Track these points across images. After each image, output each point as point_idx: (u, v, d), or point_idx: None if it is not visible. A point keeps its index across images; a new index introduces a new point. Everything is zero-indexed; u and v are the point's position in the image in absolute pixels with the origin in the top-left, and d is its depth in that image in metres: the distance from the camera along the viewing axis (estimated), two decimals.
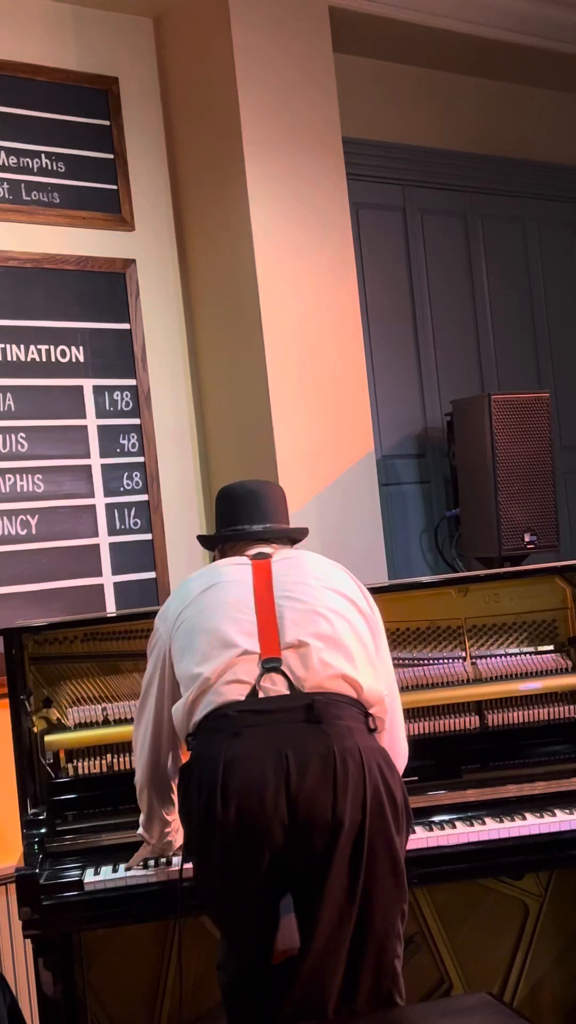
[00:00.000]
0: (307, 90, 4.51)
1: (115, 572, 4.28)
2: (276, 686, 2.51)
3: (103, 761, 3.19)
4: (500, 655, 3.41)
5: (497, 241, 5.54)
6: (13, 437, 4.15)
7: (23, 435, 4.17)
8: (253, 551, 2.83)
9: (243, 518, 2.93)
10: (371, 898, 2.44)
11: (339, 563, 2.85)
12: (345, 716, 2.49)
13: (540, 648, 3.43)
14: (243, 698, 2.51)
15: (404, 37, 4.95)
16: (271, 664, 2.54)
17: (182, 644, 2.66)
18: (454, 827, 3.04)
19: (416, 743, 3.29)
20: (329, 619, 2.61)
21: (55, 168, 4.34)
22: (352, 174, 4.71)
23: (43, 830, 3.06)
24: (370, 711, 2.58)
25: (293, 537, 2.99)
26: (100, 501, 4.30)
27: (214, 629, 2.61)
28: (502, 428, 4.56)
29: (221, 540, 2.96)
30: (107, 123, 4.47)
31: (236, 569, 2.76)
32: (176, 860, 2.88)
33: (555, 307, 5.71)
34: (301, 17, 4.51)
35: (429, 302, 5.28)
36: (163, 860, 2.90)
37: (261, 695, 2.51)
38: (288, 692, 2.50)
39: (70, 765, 3.20)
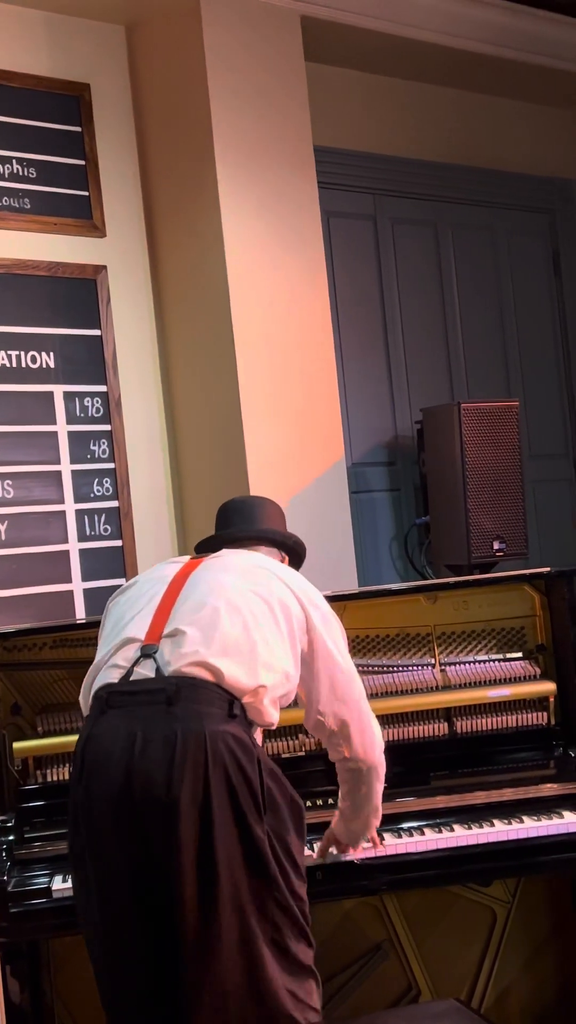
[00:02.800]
0: (279, 99, 4.52)
1: (85, 578, 4.27)
2: (145, 670, 2.57)
3: (68, 769, 3.18)
4: (469, 662, 3.42)
5: (468, 251, 5.56)
6: None
7: None
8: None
9: (230, 528, 3.03)
10: (219, 884, 2.41)
11: (298, 573, 2.86)
12: (199, 700, 2.50)
13: (509, 655, 3.45)
14: (116, 681, 2.59)
15: (376, 47, 4.97)
16: (147, 650, 2.60)
17: (102, 631, 2.80)
18: (423, 834, 3.04)
19: (385, 750, 3.30)
20: (218, 610, 2.62)
21: (26, 174, 4.33)
22: (324, 183, 4.73)
23: (11, 837, 3.05)
24: (242, 700, 2.55)
25: (273, 539, 3.02)
26: (70, 507, 4.29)
27: (119, 618, 2.73)
28: (472, 436, 4.58)
29: (201, 547, 2.99)
30: (79, 129, 4.47)
31: (170, 566, 2.84)
32: None
33: (525, 317, 5.74)
34: (273, 26, 4.52)
35: (400, 311, 5.30)
36: None
37: (132, 679, 2.58)
38: (153, 676, 2.56)
39: (39, 772, 3.19)
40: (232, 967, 2.41)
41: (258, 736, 2.65)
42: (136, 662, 2.58)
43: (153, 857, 2.42)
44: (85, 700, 2.70)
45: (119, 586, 2.95)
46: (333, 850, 2.94)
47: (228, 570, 2.76)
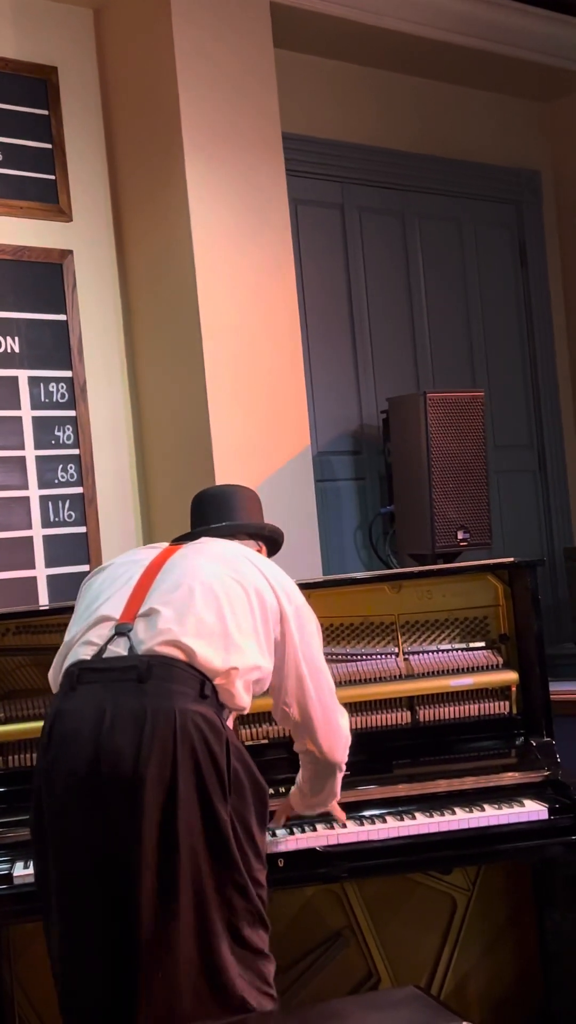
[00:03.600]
0: (247, 85, 4.51)
1: (48, 565, 4.25)
2: (118, 648, 2.58)
3: (31, 755, 3.17)
4: (432, 651, 3.44)
5: (434, 240, 5.57)
6: None
7: None
8: None
9: (207, 518, 3.04)
10: (179, 862, 2.41)
11: (274, 565, 2.87)
12: (171, 679, 2.51)
13: (472, 645, 3.47)
14: (89, 658, 2.59)
15: (345, 35, 4.96)
16: (122, 629, 2.60)
17: (76, 611, 2.80)
18: (384, 821, 3.06)
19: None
20: (193, 591, 2.63)
21: None
22: (291, 170, 4.72)
23: None
24: (214, 681, 2.56)
25: (249, 532, 3.03)
26: (34, 493, 4.27)
27: (94, 598, 2.73)
28: (437, 426, 4.59)
29: (179, 541, 3.00)
30: (46, 112, 4.44)
31: (147, 551, 2.86)
32: None
33: (490, 307, 5.75)
34: (242, 12, 4.50)
35: (366, 299, 5.31)
36: None
37: (105, 656, 2.58)
38: (126, 654, 2.56)
39: (1, 758, 3.18)
40: (187, 947, 2.41)
41: (230, 721, 2.65)
42: (110, 640, 2.59)
43: (116, 832, 2.42)
44: (55, 677, 2.70)
45: (83, 573, 2.96)
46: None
47: (206, 555, 2.77)
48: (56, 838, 2.50)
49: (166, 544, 2.90)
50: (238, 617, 2.65)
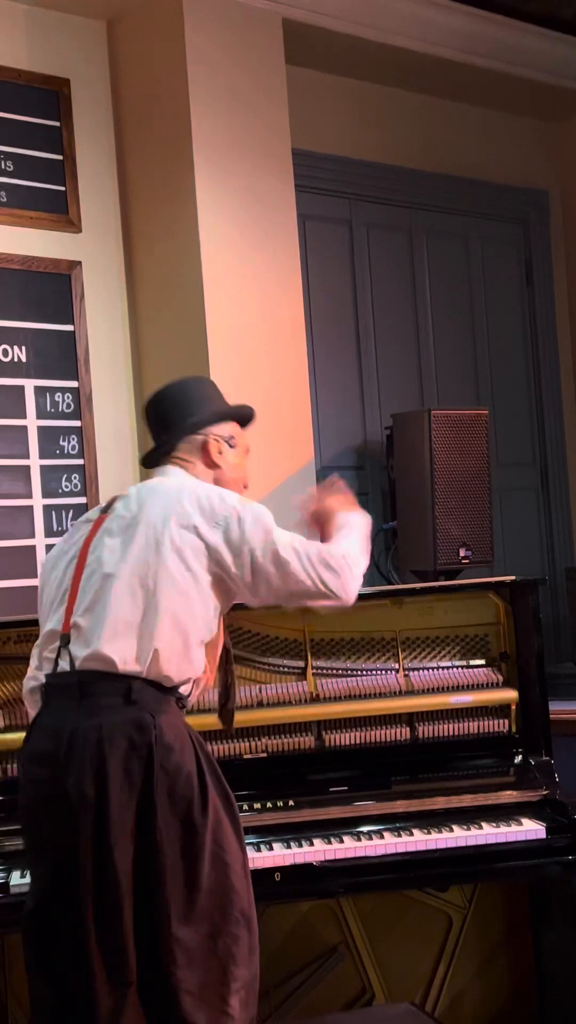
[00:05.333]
0: (258, 100, 4.53)
1: None
2: (64, 663, 2.64)
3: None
4: (432, 668, 3.44)
5: (441, 258, 5.58)
6: None
7: None
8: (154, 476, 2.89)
9: (153, 437, 2.98)
10: (117, 879, 2.45)
11: (202, 493, 2.75)
12: (99, 692, 2.56)
13: (472, 662, 3.47)
14: (48, 673, 2.66)
15: (356, 52, 4.99)
16: (64, 640, 2.66)
17: (39, 605, 2.83)
18: (382, 837, 3.06)
19: (346, 753, 3.32)
20: (105, 587, 2.62)
21: (3, 167, 4.31)
22: (300, 186, 4.73)
23: None
24: (143, 677, 2.57)
25: (193, 443, 2.91)
26: (38, 502, 4.28)
27: (48, 602, 2.77)
28: (441, 443, 4.60)
29: (144, 460, 3.01)
30: (57, 124, 4.45)
31: (81, 530, 2.81)
32: None
33: (496, 326, 5.77)
34: (255, 28, 4.52)
35: (372, 316, 5.32)
36: None
37: (57, 671, 2.65)
38: (69, 669, 2.62)
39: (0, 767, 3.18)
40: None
41: (191, 687, 2.67)
42: (58, 654, 2.65)
43: (63, 853, 2.48)
44: (31, 687, 2.74)
45: None
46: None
47: (121, 532, 2.70)
48: (30, 861, 2.61)
49: (97, 514, 2.82)
50: (161, 593, 2.60)
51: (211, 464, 2.90)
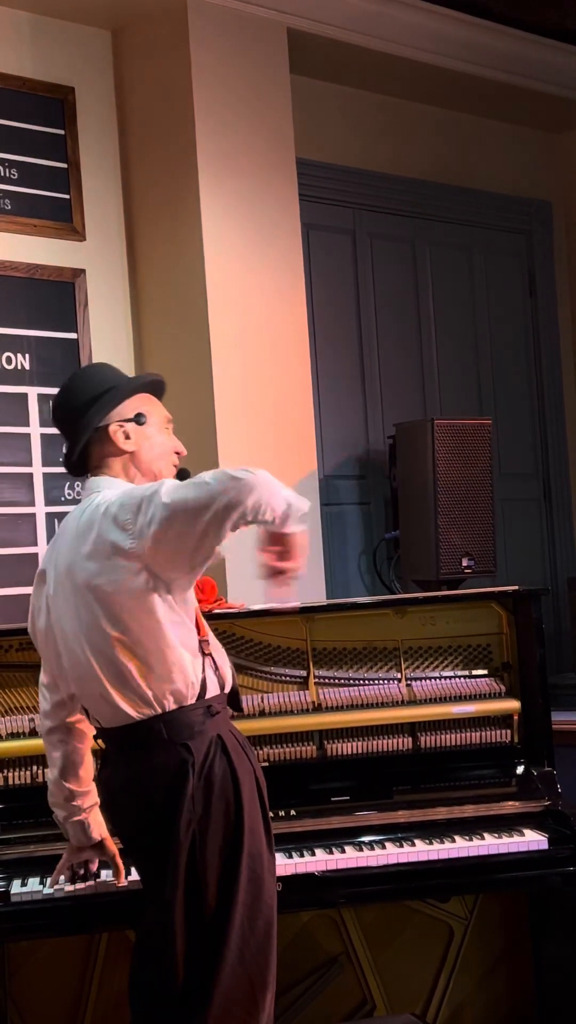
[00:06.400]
0: (263, 110, 4.53)
1: None
2: (95, 722, 2.72)
3: (30, 772, 3.17)
4: (435, 678, 3.43)
5: (444, 268, 5.59)
6: None
7: None
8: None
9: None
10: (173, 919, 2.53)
11: (104, 508, 2.56)
12: (127, 747, 2.62)
13: (475, 672, 3.46)
14: (95, 728, 2.74)
15: (360, 62, 5.00)
16: (80, 705, 2.76)
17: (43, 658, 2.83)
18: (383, 848, 3.05)
19: (349, 763, 3.32)
20: (87, 664, 2.60)
21: (8, 175, 4.32)
22: (304, 195, 4.74)
23: None
24: (163, 712, 2.57)
25: (91, 440, 2.68)
26: (41, 510, 4.28)
27: (48, 663, 2.80)
28: (444, 453, 4.60)
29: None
30: (62, 132, 4.46)
31: (40, 592, 2.78)
32: (105, 874, 2.86)
33: (499, 336, 5.77)
34: (259, 37, 4.53)
35: (375, 325, 5.32)
36: (88, 873, 2.89)
37: (97, 726, 2.72)
38: (100, 726, 2.70)
39: (0, 775, 3.17)
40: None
41: (222, 673, 2.68)
42: (87, 714, 2.73)
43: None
44: (47, 728, 2.83)
45: None
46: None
47: (64, 602, 2.64)
48: None
49: (43, 570, 2.75)
50: (131, 643, 2.54)
51: (120, 452, 2.67)
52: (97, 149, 4.54)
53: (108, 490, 2.62)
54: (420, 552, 4.66)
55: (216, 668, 2.67)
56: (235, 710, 2.76)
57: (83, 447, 2.69)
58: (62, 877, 2.85)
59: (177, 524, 2.43)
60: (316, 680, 3.36)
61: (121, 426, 2.68)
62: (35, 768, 3.15)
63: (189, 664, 2.59)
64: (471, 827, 3.15)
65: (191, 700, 2.59)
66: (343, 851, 3.02)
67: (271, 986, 2.56)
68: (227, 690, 2.70)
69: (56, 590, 2.67)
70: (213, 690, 2.64)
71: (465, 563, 4.58)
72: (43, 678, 2.82)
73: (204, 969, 2.48)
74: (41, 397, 4.31)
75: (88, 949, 3.19)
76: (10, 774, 3.17)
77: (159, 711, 2.57)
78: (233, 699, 2.75)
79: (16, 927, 2.85)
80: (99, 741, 2.73)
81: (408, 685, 3.40)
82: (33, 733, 3.17)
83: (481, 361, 5.70)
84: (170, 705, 2.58)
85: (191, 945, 2.49)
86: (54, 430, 4.27)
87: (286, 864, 2.96)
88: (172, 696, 2.58)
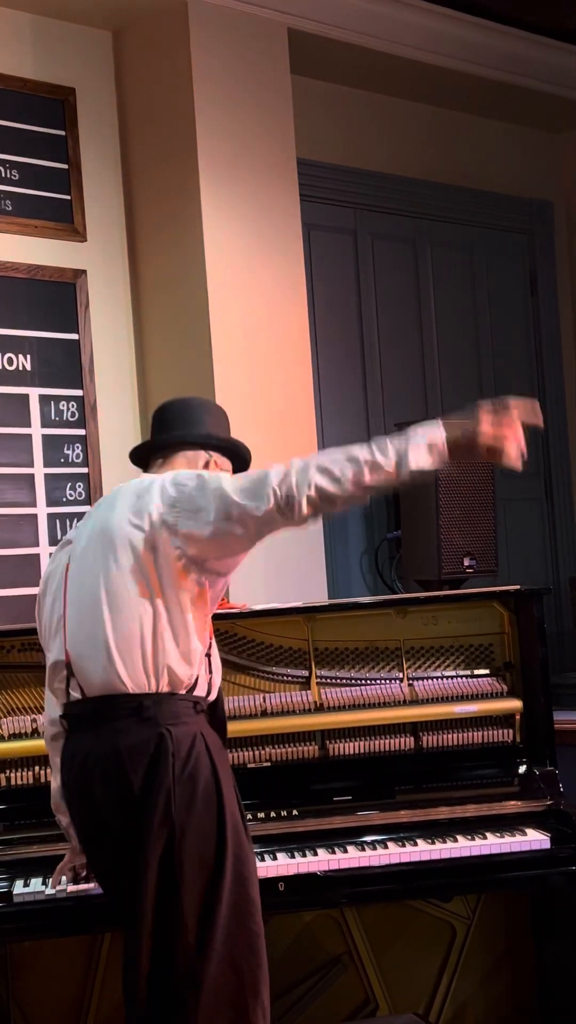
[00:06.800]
0: (263, 110, 4.53)
1: None
2: (75, 692, 2.67)
3: (32, 772, 3.17)
4: (437, 677, 3.43)
5: (445, 268, 5.59)
6: None
7: None
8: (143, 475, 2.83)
9: (152, 433, 2.93)
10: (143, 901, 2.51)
11: (156, 487, 2.63)
12: (114, 717, 2.58)
13: (476, 672, 3.46)
14: (66, 702, 2.69)
15: (362, 63, 4.99)
16: (70, 670, 2.68)
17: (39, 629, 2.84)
18: (386, 847, 3.05)
19: (350, 762, 3.32)
20: (95, 616, 2.60)
21: (8, 176, 4.32)
22: (305, 195, 4.74)
23: None
24: (157, 691, 2.57)
25: (185, 440, 2.83)
26: (42, 511, 4.28)
27: (46, 632, 2.78)
28: None
29: (132, 455, 2.97)
30: (62, 133, 4.46)
31: (59, 557, 2.79)
32: None
33: (500, 336, 5.77)
34: (260, 38, 4.53)
35: (377, 325, 5.32)
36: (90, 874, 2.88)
37: (71, 700, 2.68)
38: (80, 697, 2.65)
39: (2, 775, 3.17)
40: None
41: (212, 679, 2.69)
42: (68, 683, 2.68)
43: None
44: (52, 734, 2.79)
45: None
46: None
47: (93, 544, 2.66)
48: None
49: (71, 536, 2.79)
50: (144, 611, 2.56)
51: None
52: (98, 150, 4.55)
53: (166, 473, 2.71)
54: (422, 552, 4.66)
55: (210, 672, 2.69)
56: (221, 735, 2.73)
57: (171, 449, 2.82)
58: (64, 878, 2.85)
59: (235, 528, 2.50)
60: (318, 680, 3.36)
61: (217, 466, 2.84)
62: (37, 769, 3.16)
63: (196, 655, 2.61)
64: (473, 827, 3.15)
65: (183, 690, 2.61)
66: (345, 851, 3.02)
67: (264, 985, 2.54)
68: (211, 697, 2.70)
69: (86, 546, 2.68)
70: (201, 690, 2.65)
71: (467, 563, 4.58)
72: (49, 681, 2.81)
73: (187, 971, 2.46)
74: (42, 398, 4.32)
75: (91, 949, 3.19)
76: (12, 775, 3.18)
77: (151, 689, 2.57)
78: (220, 727, 2.75)
79: (19, 927, 2.85)
80: (64, 721, 2.69)
81: (410, 685, 3.40)
82: (35, 734, 3.17)
83: (482, 361, 5.69)
84: (163, 687, 2.58)
85: (161, 946, 2.48)
86: (56, 431, 4.33)
87: (288, 864, 2.96)
88: (168, 677, 2.58)
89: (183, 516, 2.54)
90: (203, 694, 2.66)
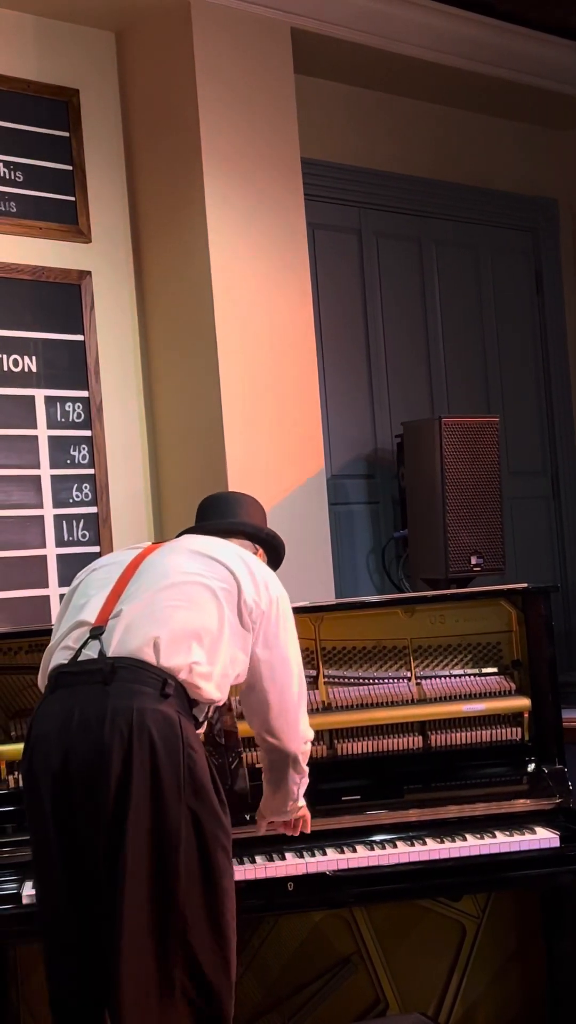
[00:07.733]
0: (267, 110, 4.53)
1: (62, 584, 4.25)
2: (90, 652, 2.63)
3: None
4: (445, 676, 3.42)
5: (450, 267, 5.59)
6: None
7: None
8: None
9: (205, 518, 3.07)
10: (125, 864, 2.45)
11: (253, 559, 2.87)
12: (133, 680, 2.55)
13: (484, 670, 3.46)
14: (66, 662, 2.64)
15: (366, 61, 4.99)
16: (95, 632, 2.65)
17: (60, 614, 2.85)
18: (395, 847, 3.05)
19: (359, 762, 3.31)
20: (161, 589, 2.66)
21: (13, 177, 4.32)
22: (310, 195, 4.74)
23: None
24: (178, 677, 2.58)
25: (244, 531, 3.02)
26: (48, 512, 4.28)
27: (75, 603, 2.78)
28: (452, 451, 4.59)
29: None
30: (67, 134, 4.47)
31: (129, 551, 2.88)
32: None
33: (506, 334, 5.76)
34: (264, 37, 4.53)
35: (382, 324, 5.32)
36: None
37: (79, 659, 2.63)
38: (96, 657, 2.61)
39: (11, 777, 3.17)
40: (135, 949, 2.46)
41: (213, 710, 2.73)
42: (84, 644, 2.65)
43: (80, 833, 2.50)
44: (42, 680, 2.76)
45: None
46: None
47: (180, 552, 2.79)
48: (34, 840, 2.59)
49: (148, 543, 2.93)
50: (204, 613, 2.66)
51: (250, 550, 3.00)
52: (102, 151, 4.55)
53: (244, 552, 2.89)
54: (429, 550, 4.65)
55: (226, 709, 2.83)
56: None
57: (226, 534, 2.96)
58: None
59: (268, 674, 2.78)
60: (325, 679, 3.35)
61: (260, 551, 3.05)
62: None
63: (220, 687, 2.67)
64: (482, 825, 3.14)
65: (205, 697, 2.64)
66: (354, 850, 3.02)
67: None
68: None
69: (165, 549, 2.81)
70: (201, 725, 2.71)
71: (474, 561, 4.58)
72: (55, 644, 2.77)
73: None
74: (48, 399, 4.32)
75: None
76: (20, 775, 3.17)
77: (177, 675, 2.58)
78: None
79: (28, 929, 2.84)
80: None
81: (418, 684, 3.39)
82: None
83: (488, 359, 5.69)
84: (188, 678, 2.60)
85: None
86: (61, 432, 4.34)
87: (297, 864, 2.96)
88: (196, 677, 2.61)
89: (260, 641, 2.77)
90: (202, 719, 2.70)
